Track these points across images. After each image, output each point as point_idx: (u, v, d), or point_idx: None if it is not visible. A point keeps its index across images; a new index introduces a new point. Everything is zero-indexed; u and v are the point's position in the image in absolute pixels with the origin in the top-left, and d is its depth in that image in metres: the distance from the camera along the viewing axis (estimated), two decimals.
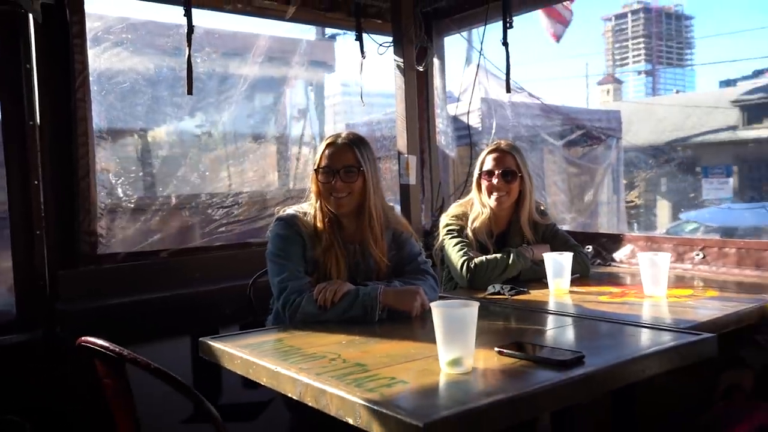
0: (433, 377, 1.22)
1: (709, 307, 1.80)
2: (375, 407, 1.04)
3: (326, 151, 1.91)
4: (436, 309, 1.24)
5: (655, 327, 1.56)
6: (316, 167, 1.92)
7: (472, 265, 2.26)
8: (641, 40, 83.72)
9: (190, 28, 2.59)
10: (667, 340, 1.45)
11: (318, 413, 1.74)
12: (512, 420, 1.08)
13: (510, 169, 2.37)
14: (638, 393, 2.01)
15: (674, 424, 1.68)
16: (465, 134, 3.55)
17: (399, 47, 3.25)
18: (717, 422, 1.20)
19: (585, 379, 1.20)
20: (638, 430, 1.94)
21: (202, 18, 3.37)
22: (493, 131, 4.01)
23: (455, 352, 1.23)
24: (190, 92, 2.64)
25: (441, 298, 1.85)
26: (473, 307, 1.25)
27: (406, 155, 3.21)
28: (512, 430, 1.20)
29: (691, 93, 44.86)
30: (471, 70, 4.07)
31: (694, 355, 1.42)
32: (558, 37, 5.27)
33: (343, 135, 1.95)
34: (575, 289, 2.12)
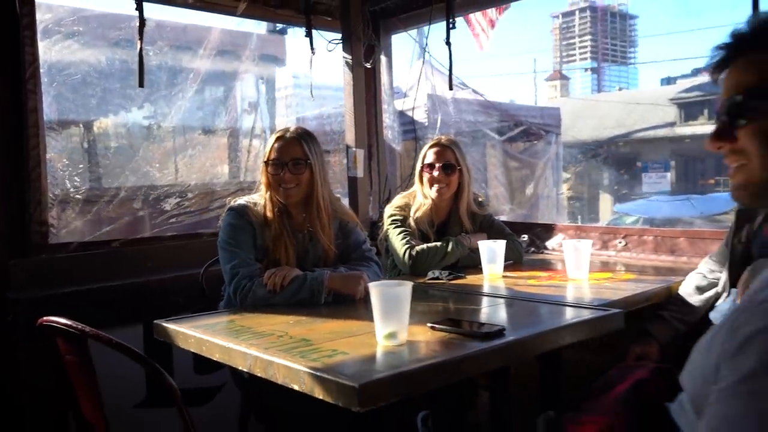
0: (371, 349, 1.36)
1: (622, 288, 2.00)
2: (317, 373, 1.18)
3: (275, 145, 2.03)
4: (374, 288, 1.38)
5: (571, 305, 1.75)
6: (265, 160, 2.04)
7: (413, 253, 2.41)
8: (588, 37, 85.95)
9: (142, 21, 2.65)
10: (581, 315, 1.63)
11: (268, 395, 1.88)
12: (439, 382, 1.24)
13: (450, 163, 2.53)
14: (565, 366, 2.22)
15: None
16: (411, 129, 3.70)
17: (347, 45, 3.37)
18: (608, 382, 1.38)
19: (503, 348, 1.36)
20: (562, 394, 2.14)
21: (155, 10, 3.42)
22: (438, 126, 4.18)
23: (391, 326, 1.38)
24: (141, 85, 2.70)
25: None
26: (407, 287, 1.39)
27: (354, 149, 3.34)
28: (457, 389, 1.33)
29: (634, 90, 46.44)
30: (418, 67, 4.22)
31: (603, 328, 1.61)
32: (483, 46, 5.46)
33: (291, 129, 2.07)
34: (508, 273, 2.30)
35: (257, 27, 5.36)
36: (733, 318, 0.79)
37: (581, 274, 2.15)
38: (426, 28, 3.51)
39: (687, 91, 22.69)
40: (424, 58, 3.77)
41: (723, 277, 1.87)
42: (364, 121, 3.42)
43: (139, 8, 2.63)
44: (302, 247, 2.08)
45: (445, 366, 1.25)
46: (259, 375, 1.34)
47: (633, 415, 1.20)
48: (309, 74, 3.49)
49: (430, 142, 2.62)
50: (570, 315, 1.66)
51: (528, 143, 6.34)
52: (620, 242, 2.70)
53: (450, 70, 3.20)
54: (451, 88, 3.19)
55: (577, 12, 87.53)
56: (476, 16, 4.90)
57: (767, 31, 0.86)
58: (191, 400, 2.60)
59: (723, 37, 0.94)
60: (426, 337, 1.45)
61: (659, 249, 2.57)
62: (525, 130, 6.17)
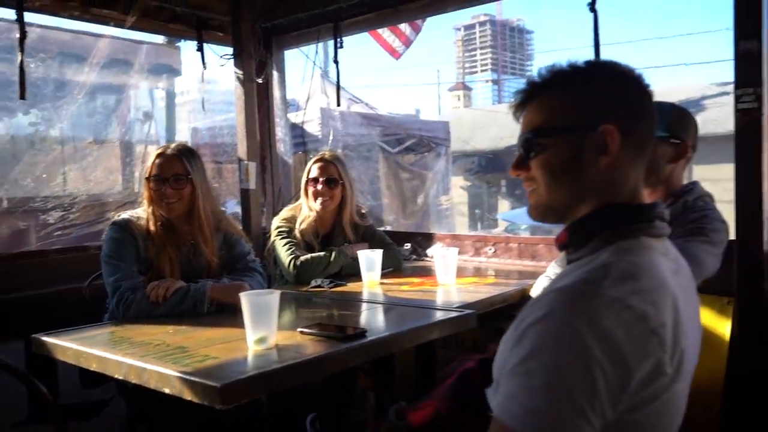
0: (241, 353, 1.49)
1: (482, 292, 2.23)
2: (185, 377, 1.29)
3: (157, 161, 2.11)
4: (244, 297, 1.51)
5: (432, 308, 1.95)
6: (147, 176, 2.11)
7: (298, 263, 2.55)
8: (488, 50, 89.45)
9: (23, 33, 2.63)
10: (440, 316, 1.83)
11: (153, 406, 1.94)
12: (301, 379, 1.39)
13: (333, 177, 2.69)
14: (442, 364, 2.43)
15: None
16: (303, 141, 3.83)
17: (239, 60, 3.45)
18: (447, 373, 1.58)
19: (363, 347, 1.53)
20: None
21: (40, 17, 3.34)
22: (330, 139, 4.33)
23: (260, 332, 1.51)
24: (22, 97, 2.68)
25: None
26: (275, 295, 1.53)
27: (246, 162, 3.43)
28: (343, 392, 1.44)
29: None
30: (313, 81, 4.36)
31: (457, 327, 1.82)
32: (399, 54, 5.70)
33: (172, 146, 2.15)
34: (385, 281, 2.48)
35: (151, 36, 5.32)
36: (522, 311, 0.98)
37: (449, 280, 2.37)
38: (320, 45, 3.66)
39: None
40: (320, 71, 3.92)
41: None
42: (256, 135, 3.51)
43: (20, 20, 2.61)
44: (186, 259, 2.17)
45: (306, 364, 1.40)
46: (134, 381, 1.42)
47: (458, 398, 1.40)
48: (201, 87, 3.55)
49: (315, 158, 2.77)
50: (430, 317, 1.85)
51: (419, 155, 6.65)
52: (490, 249, 2.96)
53: (338, 87, 3.37)
54: (338, 104, 3.36)
55: (477, 25, 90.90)
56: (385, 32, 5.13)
57: (554, 80, 1.06)
58: (77, 414, 2.60)
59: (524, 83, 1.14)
60: (295, 341, 1.59)
61: (523, 255, 2.85)
62: (416, 143, 6.48)
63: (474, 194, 18.90)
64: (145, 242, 2.10)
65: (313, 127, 4.88)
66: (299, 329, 1.65)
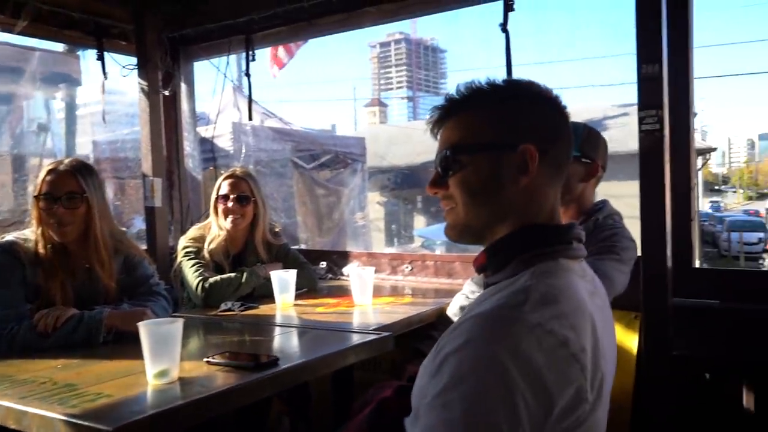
0: (140, 389, 1.35)
1: (400, 312, 2.18)
2: (72, 420, 1.15)
3: (47, 178, 1.92)
4: (143, 327, 1.38)
5: (349, 331, 1.88)
6: (36, 194, 1.92)
7: (207, 285, 2.41)
8: (404, 67, 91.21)
9: None
10: (356, 340, 1.77)
11: None
12: (204, 416, 1.27)
13: (244, 194, 2.57)
14: (359, 387, 2.35)
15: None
16: (213, 157, 3.68)
17: (144, 71, 3.28)
18: (364, 402, 1.52)
19: (275, 376, 1.44)
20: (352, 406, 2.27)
21: None
22: (242, 155, 4.20)
23: (161, 364, 1.38)
24: None
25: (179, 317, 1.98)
26: (177, 323, 1.41)
27: (151, 178, 3.24)
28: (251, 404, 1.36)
29: None
30: (225, 94, 4.21)
31: (375, 350, 1.76)
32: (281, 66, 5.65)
33: (66, 161, 1.97)
34: (299, 302, 2.39)
35: (50, 43, 4.99)
36: (440, 341, 0.93)
37: (366, 300, 2.31)
38: (233, 56, 3.54)
39: None
40: (232, 84, 3.79)
41: None
42: (163, 150, 3.33)
43: None
44: (80, 284, 1.99)
45: (213, 399, 1.29)
46: (13, 428, 1.26)
47: (375, 429, 1.34)
48: (101, 99, 3.33)
49: (225, 174, 2.65)
50: (347, 340, 1.78)
51: (334, 171, 6.59)
52: (407, 267, 2.93)
53: (249, 100, 3.27)
54: (250, 119, 3.25)
55: (393, 43, 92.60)
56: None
57: (473, 97, 1.03)
58: None
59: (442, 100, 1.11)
60: (202, 372, 1.47)
61: (439, 273, 2.84)
62: (331, 159, 6.42)
63: (390, 211, 19.05)
64: (33, 267, 1.91)
65: (224, 142, 4.71)
66: (206, 359, 1.53)
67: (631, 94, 2.02)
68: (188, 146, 3.57)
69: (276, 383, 1.45)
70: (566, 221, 1.05)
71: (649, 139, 2.01)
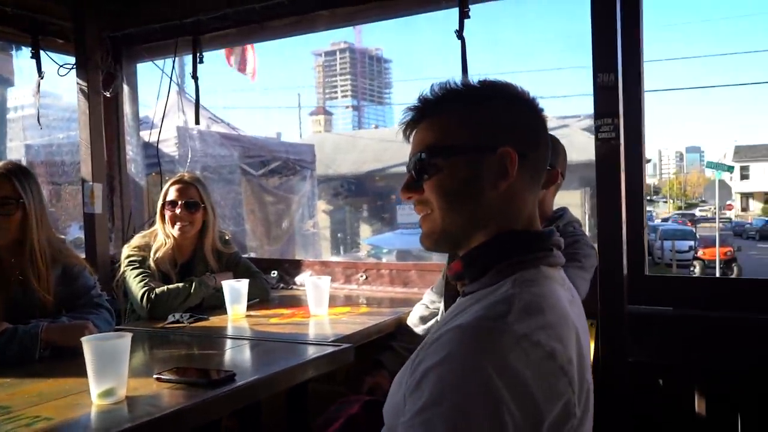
0: (83, 410, 1.25)
1: (357, 322, 2.12)
2: None
3: None
4: (86, 342, 1.27)
5: (306, 343, 1.81)
6: None
7: (152, 296, 2.28)
8: (348, 77, 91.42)
9: None
10: (314, 352, 1.69)
11: None
12: None
13: (193, 200, 2.46)
14: (314, 398, 2.27)
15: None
16: (158, 162, 3.53)
17: (83, 71, 3.11)
18: (328, 418, 1.45)
19: (231, 393, 1.35)
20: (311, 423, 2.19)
21: None
22: (188, 160, 4.06)
23: (107, 383, 1.28)
24: None
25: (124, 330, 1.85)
26: (125, 338, 1.31)
27: (90, 183, 3.07)
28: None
29: (390, 128, 50.31)
30: (170, 97, 4.06)
31: (335, 363, 1.69)
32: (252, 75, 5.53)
33: (0, 164, 1.83)
34: (252, 313, 2.29)
35: None
36: (416, 355, 0.88)
37: (321, 310, 2.23)
38: (179, 58, 3.41)
39: None
40: (177, 88, 3.64)
41: (441, 307, 2.09)
42: (103, 153, 3.17)
43: None
44: (13, 296, 1.84)
45: (164, 419, 1.20)
46: None
47: None
48: (35, 99, 3.15)
49: (172, 179, 2.53)
50: (305, 353, 1.71)
51: (284, 178, 6.47)
52: (362, 276, 2.87)
53: (197, 104, 3.15)
54: (197, 123, 3.13)
55: (338, 52, 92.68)
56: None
57: (446, 98, 0.98)
58: None
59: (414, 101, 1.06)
60: (150, 390, 1.37)
61: (394, 282, 2.79)
62: (280, 165, 6.30)
63: (337, 219, 18.94)
64: None
65: (169, 147, 4.54)
66: (155, 375, 1.43)
67: (572, 106, 2.04)
68: (131, 150, 3.41)
69: (232, 400, 1.36)
70: None
71: (606, 147, 2.03)
